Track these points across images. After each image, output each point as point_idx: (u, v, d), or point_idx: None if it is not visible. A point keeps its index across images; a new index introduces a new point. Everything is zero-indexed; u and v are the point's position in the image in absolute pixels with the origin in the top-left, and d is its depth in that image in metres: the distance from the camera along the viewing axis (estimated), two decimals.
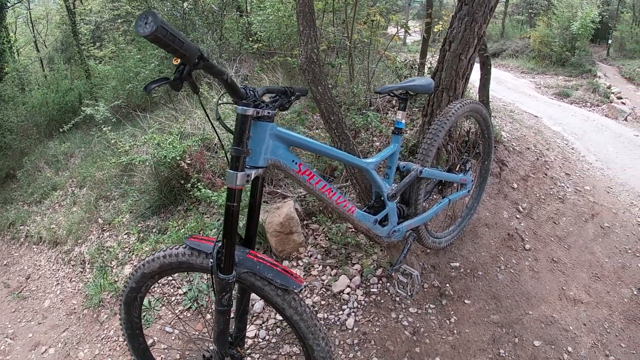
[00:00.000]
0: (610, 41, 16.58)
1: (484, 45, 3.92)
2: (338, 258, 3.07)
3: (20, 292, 4.76)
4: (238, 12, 7.34)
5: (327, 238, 3.25)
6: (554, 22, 15.14)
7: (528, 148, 4.94)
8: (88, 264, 4.44)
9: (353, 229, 3.23)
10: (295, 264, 3.10)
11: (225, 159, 3.65)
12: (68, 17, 11.88)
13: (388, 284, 2.87)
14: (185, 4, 6.25)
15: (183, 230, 3.67)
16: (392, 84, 2.27)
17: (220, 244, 1.48)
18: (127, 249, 4.17)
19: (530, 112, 8.12)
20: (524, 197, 3.99)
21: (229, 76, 1.33)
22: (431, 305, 2.78)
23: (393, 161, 2.27)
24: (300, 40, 2.29)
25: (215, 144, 4.36)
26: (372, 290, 2.84)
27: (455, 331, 2.65)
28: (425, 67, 5.13)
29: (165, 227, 4.02)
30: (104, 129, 4.86)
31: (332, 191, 1.82)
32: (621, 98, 11.20)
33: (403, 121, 2.27)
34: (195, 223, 3.61)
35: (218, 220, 3.59)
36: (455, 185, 2.96)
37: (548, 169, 4.64)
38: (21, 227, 6.16)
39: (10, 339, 3.91)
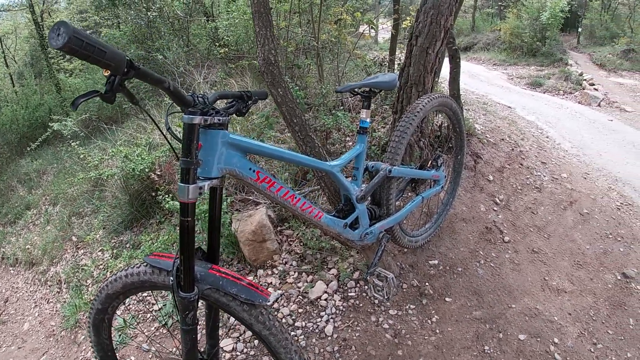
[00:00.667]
0: (580, 29, 16.79)
1: (452, 38, 3.89)
2: (313, 263, 3.00)
3: None
4: (205, 18, 7.24)
5: (301, 243, 3.17)
6: (523, 13, 15.30)
7: (502, 139, 4.94)
8: (64, 283, 4.33)
9: None
10: (270, 272, 3.02)
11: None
12: (36, 31, 11.64)
13: (365, 287, 2.81)
14: (149, 12, 6.12)
15: (156, 244, 3.57)
16: (354, 82, 2.21)
17: (179, 261, 1.40)
18: (101, 267, 4.06)
19: (503, 103, 8.18)
20: (500, 188, 3.97)
21: (170, 83, 1.24)
22: (411, 306, 2.73)
23: (360, 162, 2.21)
24: (257, 41, 2.22)
25: None
26: (350, 294, 2.77)
27: (437, 331, 2.60)
28: (395, 63, 5.09)
29: (139, 242, 3.92)
30: (72, 144, 4.74)
31: (295, 197, 1.75)
32: (593, 84, 11.32)
33: (368, 120, 2.20)
34: (167, 236, 3.51)
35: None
36: (428, 182, 2.91)
37: (524, 159, 4.63)
38: None
39: None
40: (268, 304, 1.74)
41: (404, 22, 4.97)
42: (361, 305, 2.70)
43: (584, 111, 8.78)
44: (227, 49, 5.69)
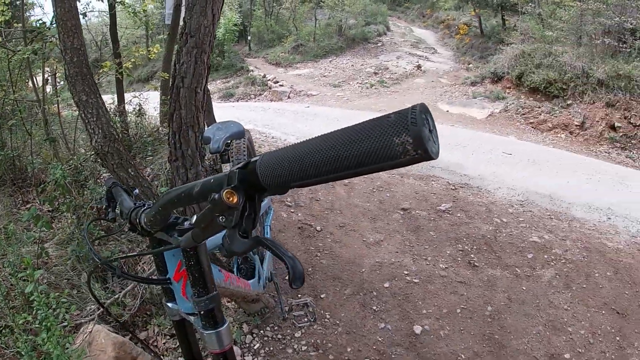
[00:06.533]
0: (249, 37, 18.68)
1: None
2: None
3: None
4: None
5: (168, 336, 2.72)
6: None
7: None
8: None
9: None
10: None
11: None
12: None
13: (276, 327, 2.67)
14: None
15: None
16: None
17: None
18: None
19: None
20: None
21: None
22: None
23: None
24: None
25: None
26: (256, 345, 2.57)
27: None
28: None
29: None
30: None
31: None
32: (278, 82, 12.85)
33: None
34: None
35: None
36: None
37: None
38: None
39: None
40: None
41: (125, 64, 4.69)
42: (279, 337, 2.59)
43: (283, 107, 9.89)
44: None
